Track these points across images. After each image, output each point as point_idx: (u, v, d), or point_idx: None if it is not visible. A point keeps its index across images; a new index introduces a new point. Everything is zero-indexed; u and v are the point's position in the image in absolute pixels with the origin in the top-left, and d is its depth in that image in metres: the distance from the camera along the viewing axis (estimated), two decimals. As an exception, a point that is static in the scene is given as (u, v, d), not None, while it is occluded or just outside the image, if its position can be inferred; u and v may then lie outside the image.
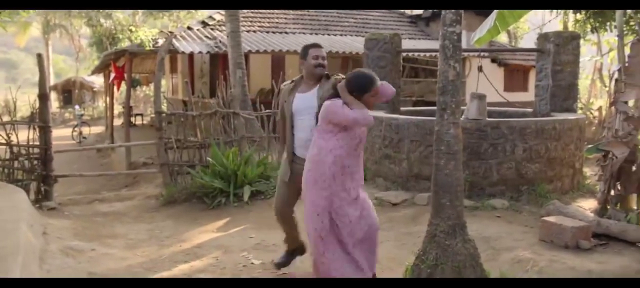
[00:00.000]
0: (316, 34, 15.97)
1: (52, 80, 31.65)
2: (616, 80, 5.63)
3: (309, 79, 4.09)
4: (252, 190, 6.93)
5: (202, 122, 8.00)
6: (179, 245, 5.39)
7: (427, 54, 14.64)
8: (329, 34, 16.27)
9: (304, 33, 15.85)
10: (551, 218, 4.85)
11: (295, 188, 4.06)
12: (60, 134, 17.92)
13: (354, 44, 14.50)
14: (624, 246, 4.57)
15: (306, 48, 4.14)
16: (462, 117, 6.37)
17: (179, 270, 4.54)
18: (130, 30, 21.06)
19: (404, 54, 10.54)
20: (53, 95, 32.54)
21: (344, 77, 3.83)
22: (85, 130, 18.66)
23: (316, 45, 4.14)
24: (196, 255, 5.01)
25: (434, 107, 3.75)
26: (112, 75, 15.23)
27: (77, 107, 23.52)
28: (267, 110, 8.55)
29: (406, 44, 13.08)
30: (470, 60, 15.88)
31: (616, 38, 6.31)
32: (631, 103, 5.43)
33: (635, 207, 5.23)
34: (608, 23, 12.53)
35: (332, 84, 3.77)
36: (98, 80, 29.14)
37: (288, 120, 4.10)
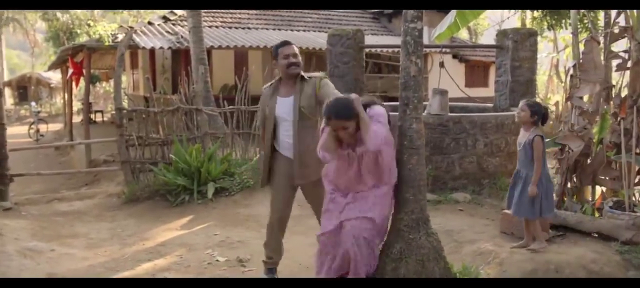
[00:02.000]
0: (279, 29, 15.91)
1: (5, 76, 30.68)
2: (571, 76, 5.80)
3: (286, 79, 3.92)
4: (216, 187, 6.88)
5: (165, 119, 7.88)
6: (142, 243, 5.31)
7: (390, 50, 14.76)
8: (292, 30, 16.23)
9: (266, 29, 15.77)
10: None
11: (289, 188, 3.98)
12: (16, 132, 17.38)
13: (317, 40, 14.51)
14: (579, 236, 4.72)
15: (275, 48, 3.90)
16: (425, 112, 6.46)
17: (142, 269, 4.48)
18: (89, 25, 20.48)
19: (367, 50, 10.60)
20: (7, 92, 31.53)
21: (322, 74, 3.90)
22: (43, 127, 18.12)
23: (286, 43, 3.91)
24: (160, 253, 4.95)
25: (397, 103, 3.79)
26: (70, 71, 14.82)
27: (33, 103, 22.83)
28: (230, 107, 8.49)
29: (369, 39, 13.16)
30: (432, 56, 16.10)
31: (571, 35, 6.49)
32: (586, 98, 5.60)
33: (590, 199, 5.41)
34: (563, 21, 12.92)
35: (314, 86, 3.80)
36: (55, 76, 28.38)
37: (268, 125, 3.92)
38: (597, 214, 5.16)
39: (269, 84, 4.05)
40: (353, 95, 3.42)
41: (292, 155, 3.86)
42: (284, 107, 3.87)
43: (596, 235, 4.72)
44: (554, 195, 5.57)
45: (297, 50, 3.91)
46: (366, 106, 3.43)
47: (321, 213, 3.74)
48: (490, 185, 6.51)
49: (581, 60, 5.43)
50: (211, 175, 6.96)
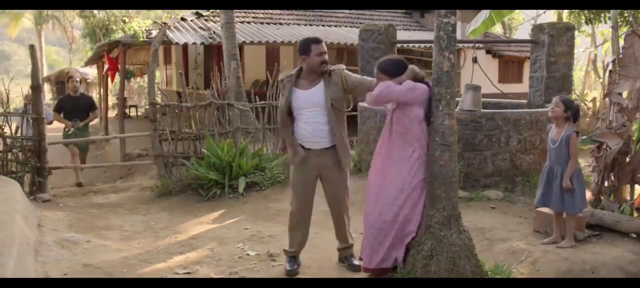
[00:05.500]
0: (310, 25, 15.91)
1: (45, 72, 31.47)
2: (610, 71, 5.64)
3: (311, 74, 4.02)
4: (247, 182, 6.93)
5: (197, 114, 7.97)
6: (174, 236, 5.39)
7: (422, 45, 14.62)
8: (323, 25, 16.21)
9: (298, 24, 15.79)
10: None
11: (310, 179, 4.08)
12: (54, 126, 17.77)
13: (349, 35, 14.46)
14: (617, 236, 4.60)
15: (308, 44, 3.99)
16: (457, 108, 6.38)
17: (175, 262, 4.55)
18: (124, 21, 20.94)
19: (399, 45, 10.50)
20: (46, 87, 32.32)
21: (343, 66, 4.03)
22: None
23: (318, 41, 4.01)
24: (191, 246, 5.01)
25: (429, 98, 3.75)
26: (106, 66, 15.14)
27: (70, 98, 23.32)
28: (261, 102, 8.54)
29: (401, 35, 13.05)
30: (464, 51, 15.87)
31: (610, 30, 6.32)
32: (625, 94, 5.45)
33: (628, 198, 5.26)
34: (602, 15, 12.55)
35: (340, 76, 3.98)
36: (92, 72, 28.97)
37: (285, 116, 4.05)
38: (636, 214, 5.02)
39: (288, 75, 4.15)
40: (412, 66, 3.78)
41: (334, 143, 3.97)
42: (307, 98, 3.97)
43: (634, 236, 4.60)
44: (591, 193, 5.46)
45: (326, 49, 4.01)
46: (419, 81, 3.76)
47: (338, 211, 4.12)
48: (524, 182, 6.40)
49: (621, 55, 5.29)
50: (242, 170, 7.01)
